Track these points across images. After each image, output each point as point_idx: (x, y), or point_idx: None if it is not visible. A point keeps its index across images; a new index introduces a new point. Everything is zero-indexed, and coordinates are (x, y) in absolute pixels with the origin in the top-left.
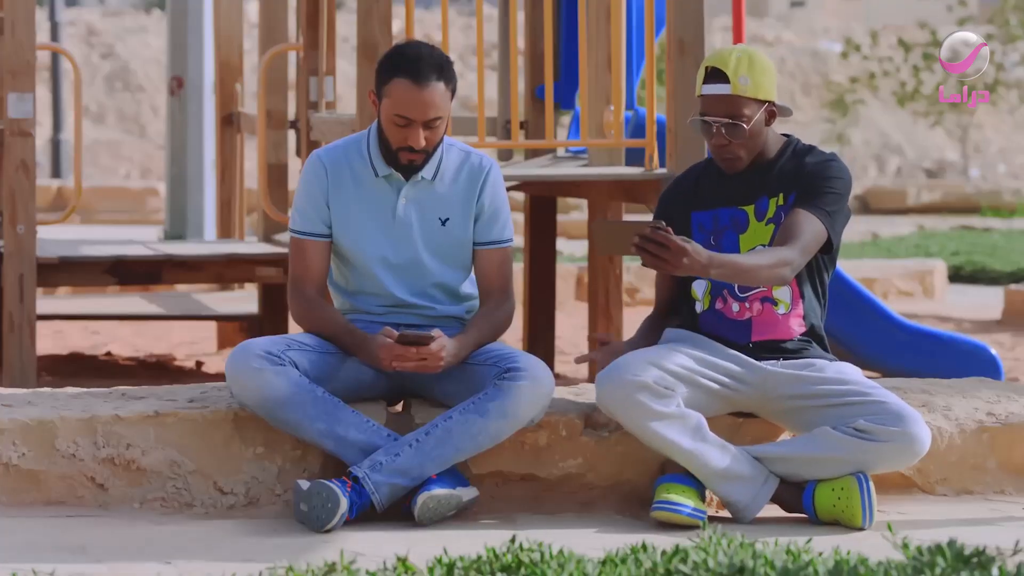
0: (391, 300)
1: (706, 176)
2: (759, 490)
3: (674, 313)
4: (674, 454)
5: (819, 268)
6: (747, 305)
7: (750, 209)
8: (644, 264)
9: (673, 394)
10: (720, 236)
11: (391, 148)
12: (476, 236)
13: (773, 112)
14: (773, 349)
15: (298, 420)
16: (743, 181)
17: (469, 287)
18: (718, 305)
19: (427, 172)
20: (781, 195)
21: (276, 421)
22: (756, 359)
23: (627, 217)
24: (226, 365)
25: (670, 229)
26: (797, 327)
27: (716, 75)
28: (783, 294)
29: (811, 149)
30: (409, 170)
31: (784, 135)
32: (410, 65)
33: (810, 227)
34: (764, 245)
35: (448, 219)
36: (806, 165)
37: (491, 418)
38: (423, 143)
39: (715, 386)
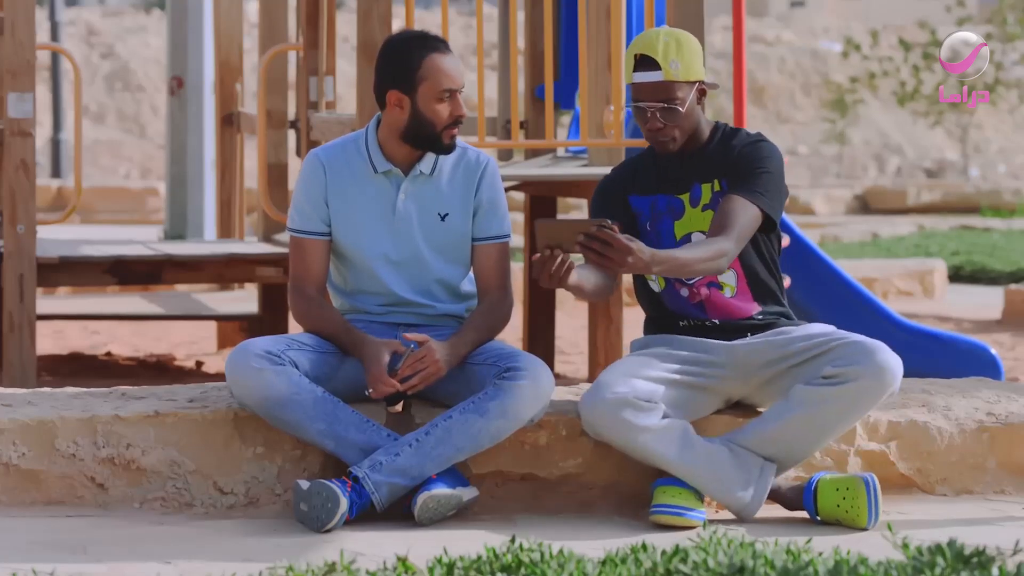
0: (391, 298)
1: (642, 165)
2: (755, 485)
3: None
4: (663, 466)
5: (766, 247)
6: (695, 290)
7: (685, 197)
8: (588, 262)
9: (656, 406)
10: (657, 222)
11: (436, 132)
12: (475, 231)
13: (704, 91)
14: (738, 329)
15: (298, 420)
16: (677, 169)
17: (468, 285)
18: (674, 286)
19: (425, 167)
20: (715, 181)
21: (276, 421)
22: (726, 340)
23: None
24: (226, 365)
25: (616, 227)
26: (750, 308)
27: (646, 62)
28: (728, 278)
29: (737, 132)
30: (448, 148)
31: (714, 121)
32: (429, 40)
33: (744, 213)
34: (702, 232)
35: (447, 214)
36: (734, 149)
37: (491, 418)
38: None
39: (695, 379)
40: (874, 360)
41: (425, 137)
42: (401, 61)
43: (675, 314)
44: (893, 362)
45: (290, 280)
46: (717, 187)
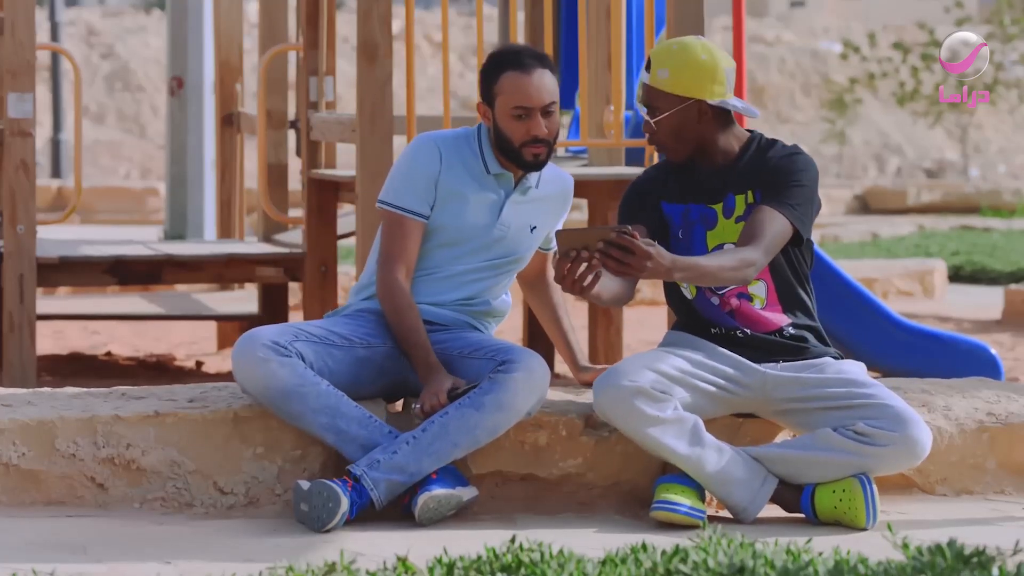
0: (436, 298)
1: (676, 171)
2: (757, 491)
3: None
4: (671, 459)
5: (796, 261)
6: (726, 299)
7: (718, 207)
8: (607, 269)
9: (669, 398)
10: (689, 231)
11: (515, 147)
12: (545, 243)
13: (707, 111)
14: (767, 347)
15: (301, 412)
16: (710, 179)
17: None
18: (705, 294)
19: (532, 179)
20: (749, 192)
21: (278, 411)
22: (755, 362)
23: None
24: (232, 353)
25: (636, 233)
26: (779, 320)
27: (648, 63)
28: (758, 290)
29: (774, 143)
30: (532, 165)
31: (748, 131)
32: (513, 57)
33: (774, 225)
34: (734, 243)
35: (536, 227)
36: (770, 160)
37: (487, 411)
38: (545, 130)
39: (712, 388)
40: (908, 433)
41: (507, 152)
42: (486, 74)
43: (707, 321)
44: (925, 438)
45: (382, 259)
46: (751, 199)
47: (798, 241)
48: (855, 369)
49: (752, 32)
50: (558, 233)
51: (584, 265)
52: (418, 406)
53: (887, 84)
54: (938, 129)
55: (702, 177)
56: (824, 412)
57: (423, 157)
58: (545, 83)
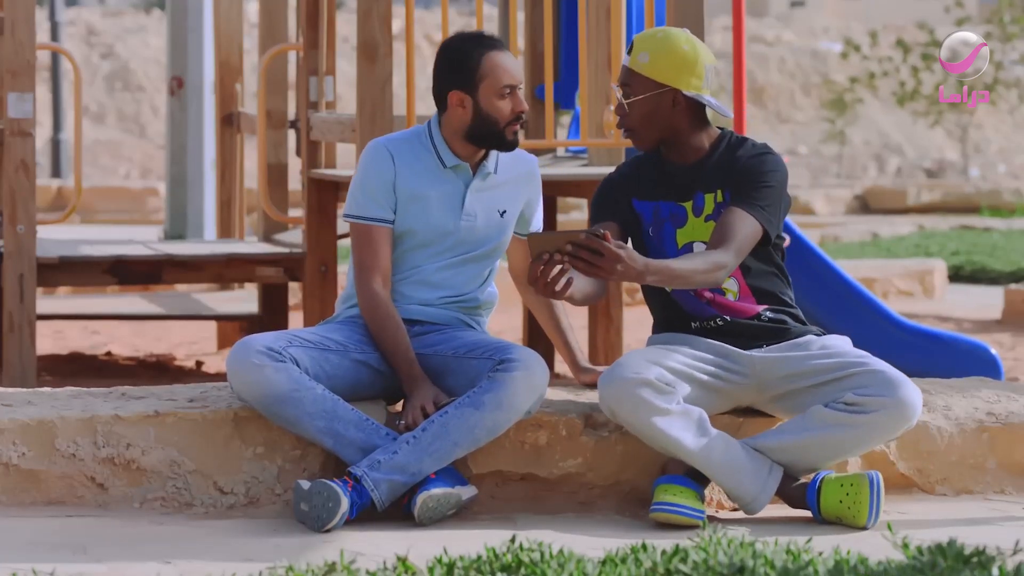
0: (418, 299)
1: (646, 168)
2: (765, 480)
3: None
4: (678, 451)
5: (766, 257)
6: (699, 291)
7: (688, 205)
8: (577, 271)
9: (674, 391)
10: (660, 228)
11: (499, 129)
12: (523, 227)
13: (681, 101)
14: (749, 332)
15: (297, 417)
16: (680, 176)
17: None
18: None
19: (491, 165)
20: (719, 191)
21: (275, 417)
22: (742, 348)
23: None
24: (227, 360)
25: (607, 235)
26: (755, 308)
27: (631, 47)
28: (730, 284)
29: (744, 142)
30: (511, 144)
31: (719, 128)
32: (487, 40)
33: (744, 227)
34: (704, 241)
35: (505, 211)
36: (739, 160)
37: (486, 410)
38: (526, 106)
39: (709, 379)
40: (897, 394)
41: (488, 135)
42: (461, 61)
43: (687, 315)
44: (915, 397)
45: (356, 271)
46: (720, 198)
47: (767, 241)
48: (839, 342)
49: (752, 32)
50: (529, 236)
51: (557, 268)
52: (402, 421)
53: (887, 84)
54: (938, 129)
55: (672, 174)
56: (816, 389)
57: (376, 163)
58: (517, 61)
